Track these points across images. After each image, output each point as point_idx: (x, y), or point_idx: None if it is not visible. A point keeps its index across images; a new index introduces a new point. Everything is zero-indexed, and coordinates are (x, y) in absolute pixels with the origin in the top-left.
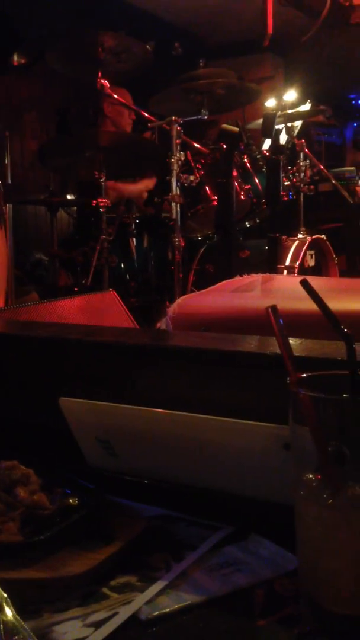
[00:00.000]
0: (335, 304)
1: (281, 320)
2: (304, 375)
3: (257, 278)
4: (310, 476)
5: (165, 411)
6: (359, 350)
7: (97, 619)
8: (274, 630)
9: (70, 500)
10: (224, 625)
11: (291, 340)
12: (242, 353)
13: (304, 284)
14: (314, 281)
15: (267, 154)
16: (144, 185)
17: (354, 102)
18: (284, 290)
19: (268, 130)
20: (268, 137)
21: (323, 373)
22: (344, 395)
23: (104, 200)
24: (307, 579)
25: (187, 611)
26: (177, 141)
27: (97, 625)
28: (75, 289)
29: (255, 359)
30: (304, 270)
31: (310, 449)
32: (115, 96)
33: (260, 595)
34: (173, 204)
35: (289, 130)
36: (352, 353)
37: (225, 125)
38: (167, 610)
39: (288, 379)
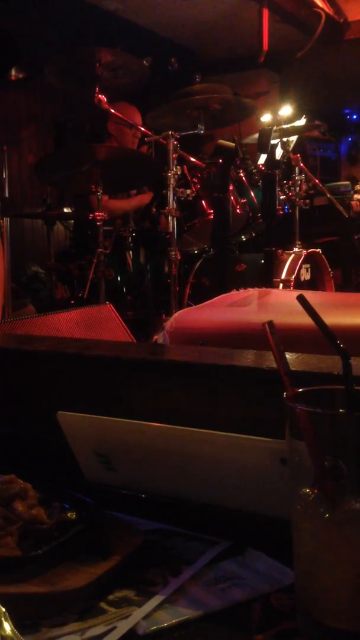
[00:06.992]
0: (331, 319)
1: (277, 335)
2: (301, 390)
3: (253, 292)
4: (307, 490)
5: (163, 425)
6: (355, 365)
7: (95, 634)
8: None
9: (68, 515)
10: None
11: (287, 355)
12: (239, 367)
13: (301, 299)
14: (310, 296)
15: (263, 168)
16: (137, 202)
17: (348, 117)
18: (280, 304)
19: (264, 145)
20: (264, 152)
21: (319, 388)
22: (340, 410)
23: (100, 213)
24: (304, 594)
25: (185, 626)
26: (174, 155)
27: None
28: (72, 302)
29: (252, 374)
30: (299, 284)
31: (307, 463)
32: (113, 111)
33: (258, 609)
34: (169, 218)
35: (285, 145)
36: (348, 368)
37: (221, 141)
38: (165, 625)
39: (285, 393)
